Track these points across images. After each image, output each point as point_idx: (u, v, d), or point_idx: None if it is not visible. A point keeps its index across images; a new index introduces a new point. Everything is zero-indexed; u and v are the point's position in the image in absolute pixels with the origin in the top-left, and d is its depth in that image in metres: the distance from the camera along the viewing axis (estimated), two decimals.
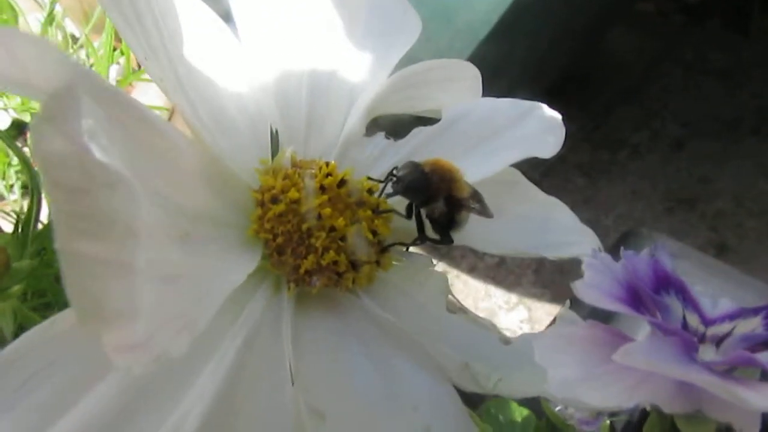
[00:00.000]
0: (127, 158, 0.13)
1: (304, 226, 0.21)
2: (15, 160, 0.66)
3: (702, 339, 0.17)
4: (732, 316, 0.18)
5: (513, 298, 1.04)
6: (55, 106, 0.11)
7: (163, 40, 0.20)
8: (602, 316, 0.19)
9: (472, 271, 1.06)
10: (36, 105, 0.51)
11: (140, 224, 0.13)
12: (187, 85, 0.21)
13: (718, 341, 0.17)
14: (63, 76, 0.11)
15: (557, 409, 0.35)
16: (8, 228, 0.33)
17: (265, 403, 0.18)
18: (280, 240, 0.21)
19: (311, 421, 0.18)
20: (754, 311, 0.18)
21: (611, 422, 0.39)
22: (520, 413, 0.50)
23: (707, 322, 0.18)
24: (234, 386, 0.18)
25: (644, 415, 0.52)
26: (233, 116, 0.23)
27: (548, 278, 1.04)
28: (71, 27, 0.74)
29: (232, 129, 0.23)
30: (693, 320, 0.18)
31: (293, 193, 0.21)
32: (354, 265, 0.22)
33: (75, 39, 0.73)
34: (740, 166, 1.12)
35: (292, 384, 0.19)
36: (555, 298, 1.02)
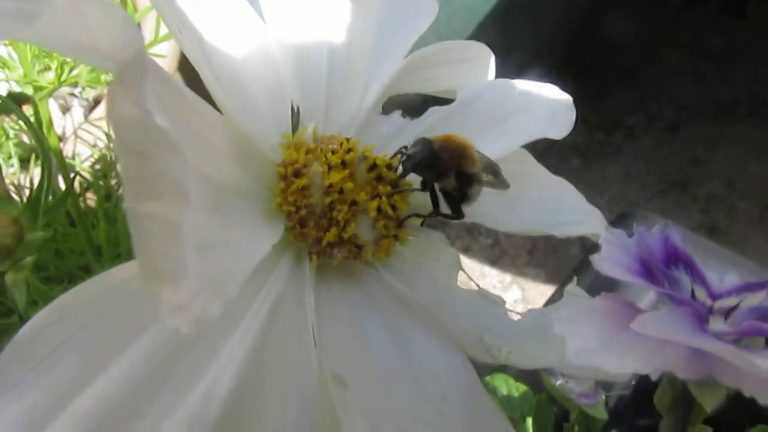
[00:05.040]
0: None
1: (327, 200, 0.22)
2: (11, 133, 0.66)
3: (710, 311, 0.18)
4: (738, 291, 0.19)
5: (507, 278, 1.05)
6: (128, 73, 0.11)
7: (192, 19, 0.20)
8: (603, 290, 0.20)
9: (466, 251, 1.07)
10: (39, 78, 0.51)
11: (189, 188, 0.13)
12: (214, 61, 0.21)
13: (726, 313, 0.18)
14: (132, 45, 0.12)
15: (558, 383, 0.36)
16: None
17: (291, 367, 0.19)
18: (302, 213, 0.22)
19: (335, 388, 0.19)
20: (760, 285, 0.19)
21: (605, 398, 0.41)
22: (517, 388, 0.51)
23: (714, 296, 0.19)
24: (261, 351, 0.19)
25: (638, 390, 0.53)
26: (256, 92, 0.23)
27: (542, 259, 1.05)
28: None
29: (254, 104, 0.23)
30: (701, 294, 0.19)
31: (316, 167, 0.22)
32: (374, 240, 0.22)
33: None
34: (733, 149, 1.13)
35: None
36: (548, 279, 1.03)
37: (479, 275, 1.05)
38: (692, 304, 0.16)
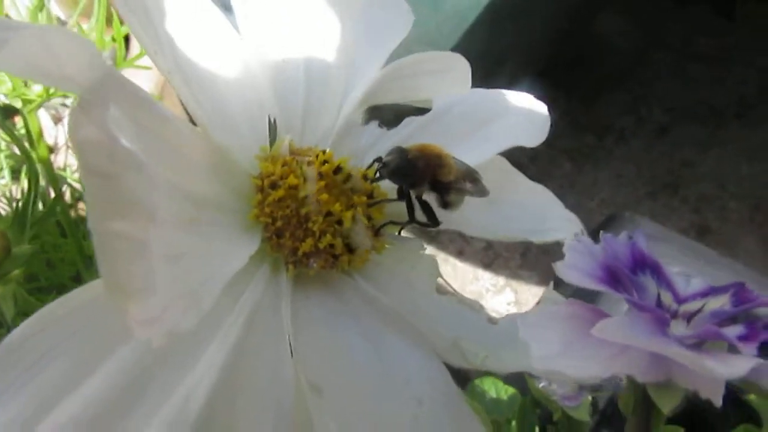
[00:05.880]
0: (142, 149, 0.14)
1: (303, 211, 0.22)
2: (2, 145, 0.66)
3: (675, 315, 0.18)
4: (703, 294, 0.19)
5: (500, 281, 1.05)
6: (90, 97, 0.12)
7: (167, 35, 0.21)
8: (585, 297, 0.20)
9: (460, 254, 1.08)
10: (27, 92, 0.51)
11: (156, 206, 0.14)
12: (190, 77, 0.22)
13: (689, 317, 0.18)
14: (96, 70, 0.12)
15: (541, 385, 0.36)
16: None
17: (267, 377, 0.20)
18: (279, 224, 0.22)
19: (311, 396, 0.20)
20: (724, 289, 0.19)
21: (594, 398, 0.41)
22: (505, 391, 0.52)
23: (680, 300, 0.19)
24: (238, 361, 0.19)
25: None
26: (233, 106, 0.24)
27: (535, 261, 1.05)
28: (55, 10, 0.74)
29: (232, 119, 0.24)
30: (667, 298, 0.19)
31: (292, 179, 0.22)
32: (350, 248, 0.23)
33: (60, 22, 0.72)
34: (724, 150, 1.14)
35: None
36: (541, 281, 1.03)
37: (472, 278, 1.06)
38: (653, 310, 0.17)
